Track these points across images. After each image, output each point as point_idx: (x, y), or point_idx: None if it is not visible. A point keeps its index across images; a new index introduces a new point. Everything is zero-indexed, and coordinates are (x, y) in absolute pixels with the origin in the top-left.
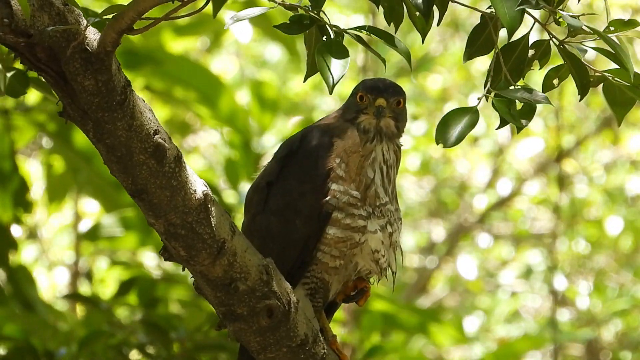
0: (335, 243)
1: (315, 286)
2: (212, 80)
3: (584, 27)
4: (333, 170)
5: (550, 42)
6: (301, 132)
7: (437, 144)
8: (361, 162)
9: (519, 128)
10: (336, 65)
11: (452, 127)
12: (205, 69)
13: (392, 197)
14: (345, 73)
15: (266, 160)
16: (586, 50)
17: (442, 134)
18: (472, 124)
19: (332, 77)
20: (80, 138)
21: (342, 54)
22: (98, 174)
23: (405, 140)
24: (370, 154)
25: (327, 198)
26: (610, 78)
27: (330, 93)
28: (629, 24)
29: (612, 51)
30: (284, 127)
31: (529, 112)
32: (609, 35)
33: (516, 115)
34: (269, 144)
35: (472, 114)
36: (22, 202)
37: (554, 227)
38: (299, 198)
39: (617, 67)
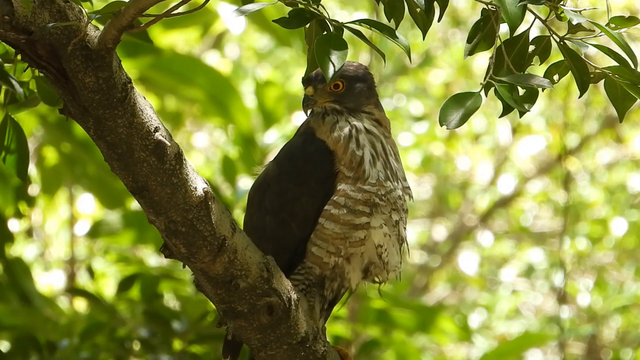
0: (333, 239)
1: (309, 282)
2: (216, 78)
3: (586, 23)
4: (340, 171)
5: (551, 38)
6: (302, 135)
7: (441, 125)
8: (336, 137)
9: (522, 113)
10: (335, 57)
11: (455, 110)
12: (209, 66)
13: (397, 176)
14: (344, 64)
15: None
16: (587, 47)
17: (445, 116)
18: (475, 107)
19: (333, 67)
20: (80, 129)
21: (341, 46)
22: (99, 164)
23: (406, 138)
24: (334, 126)
25: (334, 198)
26: (610, 75)
27: (330, 84)
28: (630, 20)
29: (615, 46)
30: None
31: (531, 97)
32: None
33: (519, 100)
34: (273, 140)
35: (475, 97)
36: (24, 196)
37: (559, 225)
38: (293, 200)
39: (617, 64)
